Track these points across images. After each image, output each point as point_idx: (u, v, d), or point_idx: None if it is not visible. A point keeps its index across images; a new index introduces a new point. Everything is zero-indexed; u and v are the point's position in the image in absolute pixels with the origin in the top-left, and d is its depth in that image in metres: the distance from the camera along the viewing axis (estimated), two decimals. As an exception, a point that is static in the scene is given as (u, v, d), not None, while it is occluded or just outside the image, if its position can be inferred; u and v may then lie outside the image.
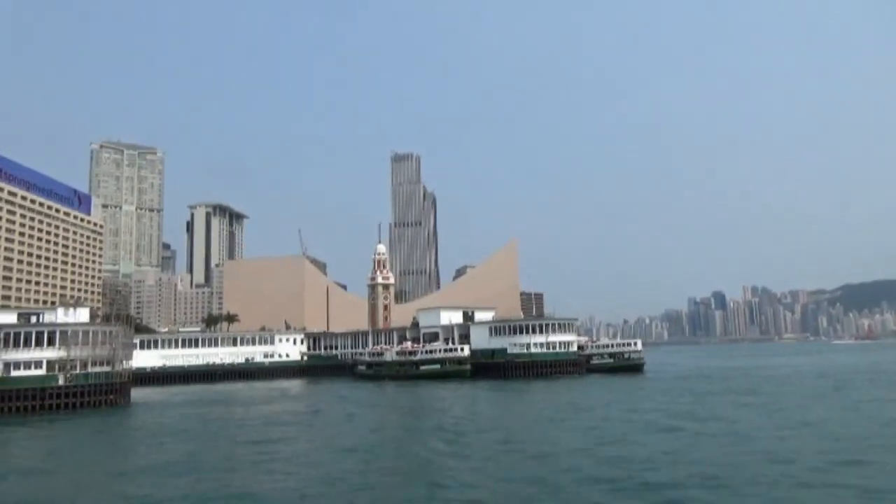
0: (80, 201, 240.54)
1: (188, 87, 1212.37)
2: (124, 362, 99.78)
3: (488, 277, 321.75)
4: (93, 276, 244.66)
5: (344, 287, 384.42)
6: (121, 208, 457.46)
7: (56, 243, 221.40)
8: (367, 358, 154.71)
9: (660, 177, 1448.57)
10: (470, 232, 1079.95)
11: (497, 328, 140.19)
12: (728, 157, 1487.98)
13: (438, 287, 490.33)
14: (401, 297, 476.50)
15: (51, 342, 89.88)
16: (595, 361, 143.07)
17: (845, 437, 48.69)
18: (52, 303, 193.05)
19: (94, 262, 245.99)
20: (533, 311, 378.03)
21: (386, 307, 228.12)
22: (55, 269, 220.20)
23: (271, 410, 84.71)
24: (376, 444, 53.69)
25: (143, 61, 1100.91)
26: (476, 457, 45.22)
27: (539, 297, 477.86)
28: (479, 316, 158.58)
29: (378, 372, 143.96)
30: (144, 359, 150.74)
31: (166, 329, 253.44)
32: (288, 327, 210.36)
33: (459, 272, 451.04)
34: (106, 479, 41.96)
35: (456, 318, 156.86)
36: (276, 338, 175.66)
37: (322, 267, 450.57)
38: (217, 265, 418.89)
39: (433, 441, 53.40)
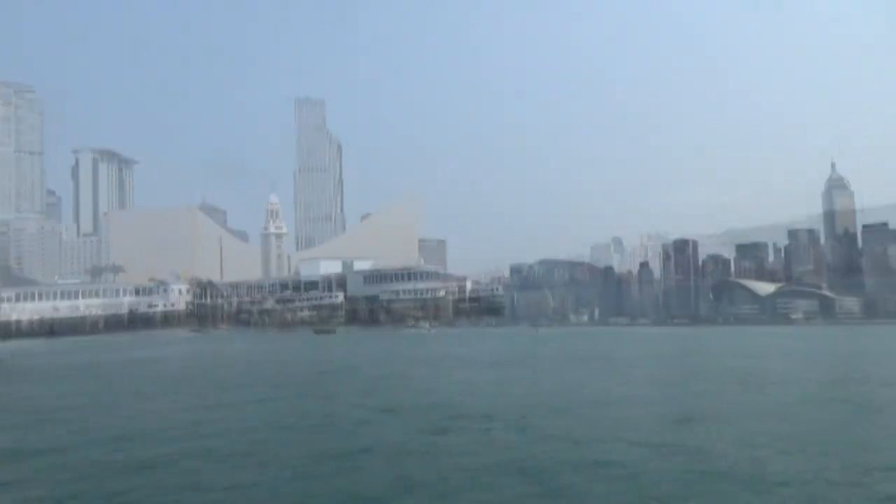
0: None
1: (67, 22, 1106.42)
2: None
3: (388, 225, 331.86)
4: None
5: (245, 235, 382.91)
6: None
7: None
8: (248, 306, 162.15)
9: (561, 128, 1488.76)
10: (380, 178, 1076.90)
11: (370, 276, 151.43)
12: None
13: (345, 233, 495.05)
14: (306, 242, 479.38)
15: None
16: (462, 305, 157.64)
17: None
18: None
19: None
20: (436, 258, 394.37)
21: (279, 256, 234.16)
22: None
23: (140, 356, 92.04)
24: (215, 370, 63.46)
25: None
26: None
27: (442, 243, 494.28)
28: (358, 265, 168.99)
29: (260, 319, 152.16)
30: (20, 311, 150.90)
31: (48, 281, 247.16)
32: (178, 278, 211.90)
33: (364, 219, 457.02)
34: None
35: (335, 267, 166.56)
36: (161, 288, 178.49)
37: (221, 215, 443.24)
38: (106, 213, 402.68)
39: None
